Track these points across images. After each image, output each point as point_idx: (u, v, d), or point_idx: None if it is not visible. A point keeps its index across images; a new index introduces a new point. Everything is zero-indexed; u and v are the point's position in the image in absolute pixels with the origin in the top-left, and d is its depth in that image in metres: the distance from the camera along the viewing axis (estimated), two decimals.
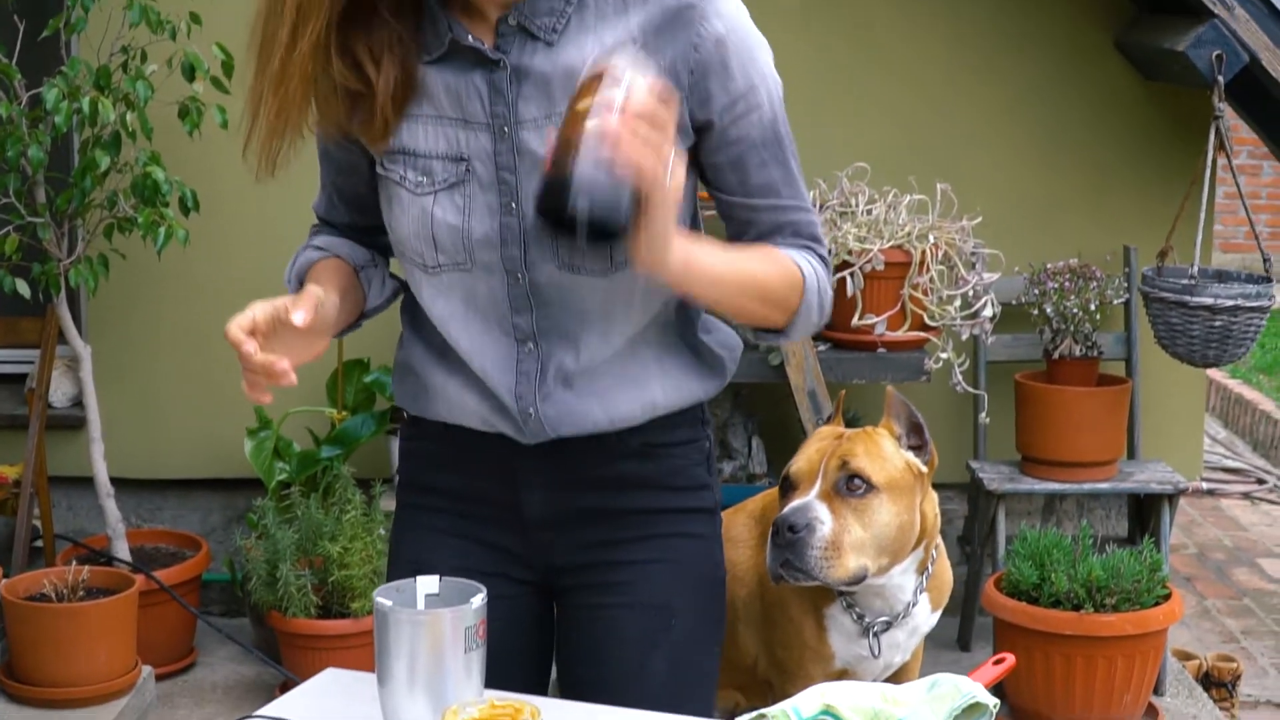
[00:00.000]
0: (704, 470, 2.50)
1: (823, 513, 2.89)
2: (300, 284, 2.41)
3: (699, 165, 2.33)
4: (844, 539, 2.88)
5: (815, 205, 5.11)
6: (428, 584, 2.18)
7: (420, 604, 2.16)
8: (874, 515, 2.90)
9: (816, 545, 2.86)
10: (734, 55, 2.27)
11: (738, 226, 2.36)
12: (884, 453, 2.94)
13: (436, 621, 2.08)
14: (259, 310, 2.18)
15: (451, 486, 2.49)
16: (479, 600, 2.11)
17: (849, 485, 2.89)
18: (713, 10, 2.25)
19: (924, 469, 2.96)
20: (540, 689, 2.56)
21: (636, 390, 2.39)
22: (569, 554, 2.48)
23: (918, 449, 2.97)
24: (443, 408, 2.44)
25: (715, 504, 2.54)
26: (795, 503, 2.92)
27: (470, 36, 2.25)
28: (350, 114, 2.28)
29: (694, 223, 2.39)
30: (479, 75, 2.26)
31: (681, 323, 2.42)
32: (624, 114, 2.01)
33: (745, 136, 2.30)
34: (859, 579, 2.92)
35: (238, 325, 2.15)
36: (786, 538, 2.88)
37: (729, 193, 2.33)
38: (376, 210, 2.41)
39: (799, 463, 2.98)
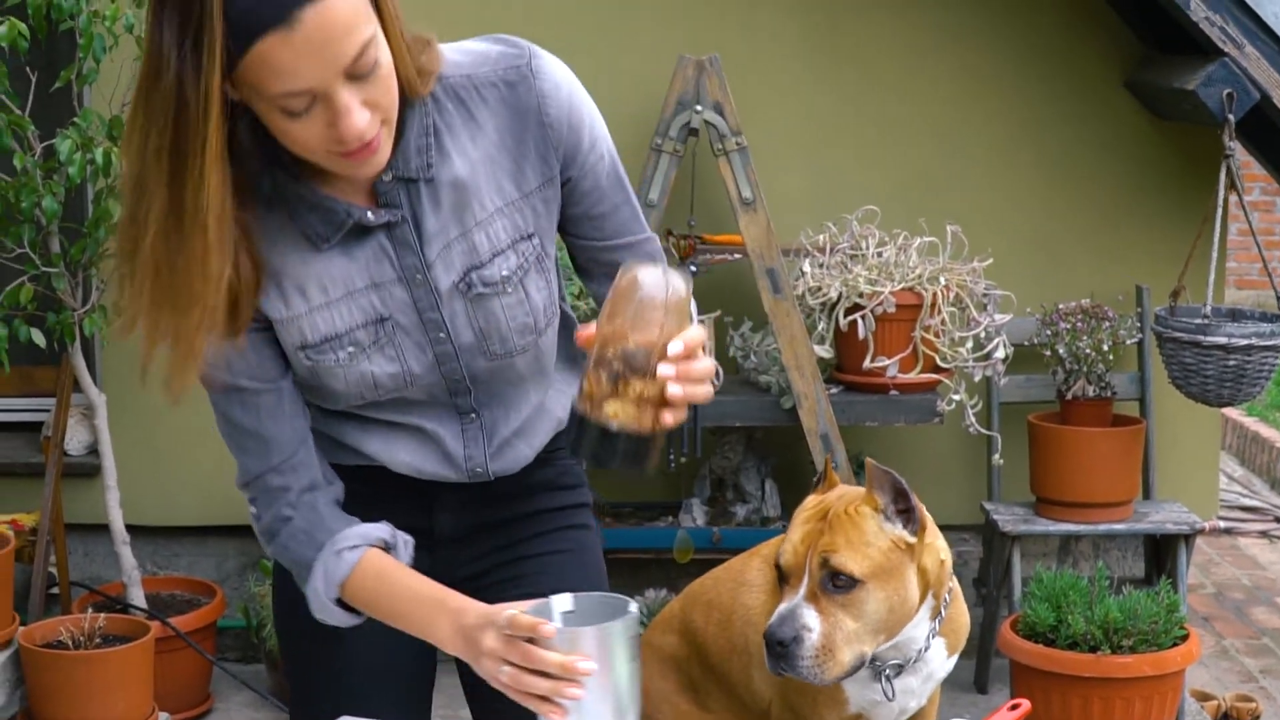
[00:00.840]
0: (581, 469, 2.71)
1: (810, 618, 2.85)
2: (341, 599, 2.42)
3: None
4: (835, 637, 2.85)
5: (827, 249, 5.17)
6: (562, 602, 2.22)
7: (557, 620, 2.18)
8: (863, 607, 2.86)
9: (806, 655, 2.83)
10: (573, 115, 2.37)
11: (598, 269, 2.50)
12: (866, 538, 2.87)
13: (628, 629, 2.12)
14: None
15: (357, 516, 2.51)
16: (634, 608, 2.16)
17: (834, 583, 2.85)
18: (544, 80, 2.35)
19: (912, 540, 2.89)
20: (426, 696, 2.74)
21: (548, 418, 2.58)
22: (473, 563, 2.63)
23: (905, 514, 2.90)
24: (355, 457, 2.53)
25: (591, 498, 2.75)
26: (782, 608, 2.89)
27: (369, 213, 2.30)
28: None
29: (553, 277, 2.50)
30: (380, 237, 2.33)
31: (567, 341, 2.55)
32: (677, 369, 2.10)
33: (596, 186, 2.42)
34: (858, 667, 2.90)
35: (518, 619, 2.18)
36: (777, 651, 2.86)
37: (588, 239, 2.48)
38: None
39: (786, 554, 2.94)
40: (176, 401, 2.26)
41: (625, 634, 2.11)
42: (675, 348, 2.10)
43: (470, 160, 2.32)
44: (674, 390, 2.10)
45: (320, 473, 2.45)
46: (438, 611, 2.30)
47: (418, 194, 2.32)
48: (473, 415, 2.48)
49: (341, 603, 2.41)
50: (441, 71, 2.30)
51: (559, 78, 2.36)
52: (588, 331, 2.15)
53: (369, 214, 2.30)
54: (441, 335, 2.38)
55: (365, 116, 2.13)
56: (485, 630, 2.20)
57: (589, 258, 2.50)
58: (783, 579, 2.95)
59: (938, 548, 2.98)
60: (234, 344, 2.30)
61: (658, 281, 2.10)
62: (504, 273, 2.35)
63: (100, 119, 4.92)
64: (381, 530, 2.42)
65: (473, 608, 2.27)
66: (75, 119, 4.89)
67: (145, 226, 2.12)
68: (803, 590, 2.88)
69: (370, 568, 2.38)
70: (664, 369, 2.09)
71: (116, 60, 4.96)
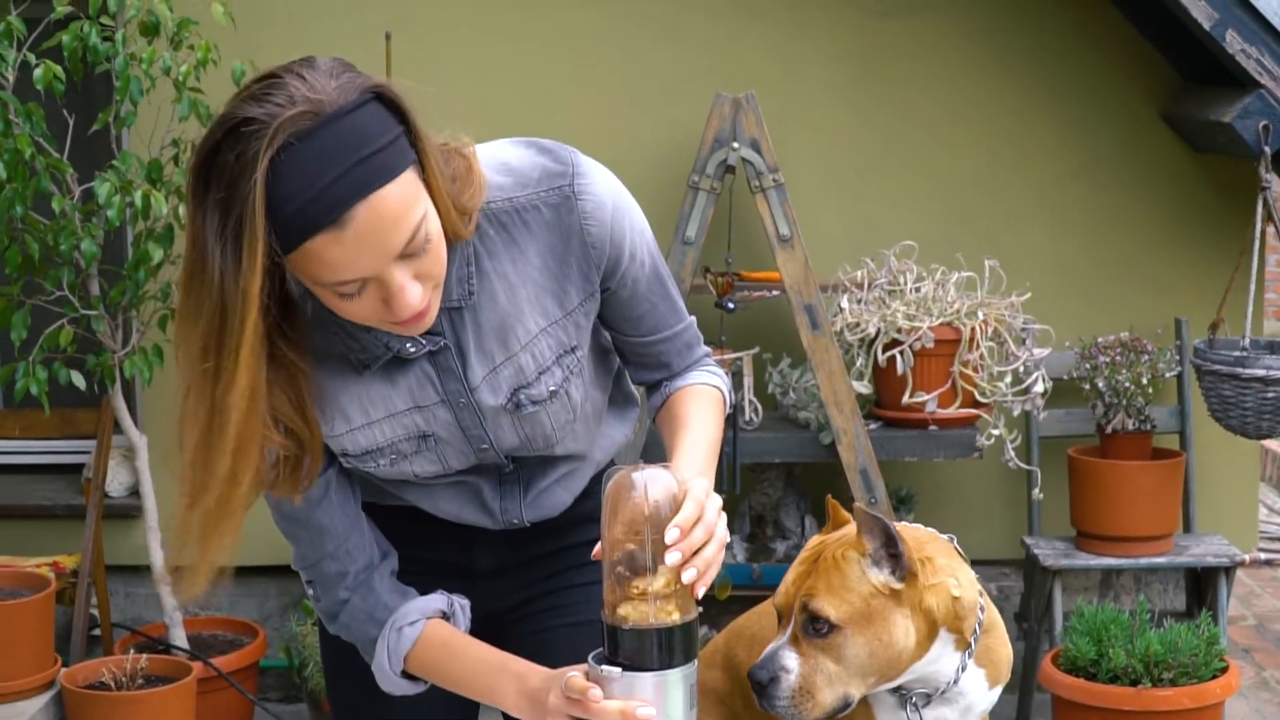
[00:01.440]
0: None
1: (790, 660, 2.87)
2: (405, 670, 2.46)
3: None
4: (815, 679, 2.86)
5: (864, 284, 5.18)
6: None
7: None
8: (842, 650, 2.86)
9: (783, 695, 2.86)
10: (615, 231, 2.34)
11: (636, 359, 2.55)
12: (848, 583, 2.87)
13: (686, 677, 2.17)
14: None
15: (399, 551, 2.56)
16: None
17: (813, 626, 2.86)
18: (587, 200, 2.31)
19: (897, 586, 2.87)
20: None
21: (588, 464, 2.61)
22: (514, 594, 2.68)
23: (895, 558, 2.88)
24: (395, 500, 2.56)
25: None
26: (768, 649, 2.91)
27: (409, 345, 2.30)
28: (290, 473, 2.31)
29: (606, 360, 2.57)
30: (423, 363, 2.33)
31: (604, 395, 2.60)
32: (682, 552, 2.14)
33: (635, 292, 2.43)
34: (843, 708, 2.90)
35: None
36: (757, 689, 2.89)
37: (625, 334, 2.50)
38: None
39: (779, 595, 2.96)
40: (190, 594, 2.27)
41: (684, 682, 2.15)
42: (671, 535, 2.12)
43: (512, 284, 2.31)
44: (688, 575, 2.13)
45: (375, 552, 2.49)
46: (502, 676, 2.34)
47: (461, 320, 2.32)
48: (511, 470, 2.52)
49: (406, 673, 2.46)
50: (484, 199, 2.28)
51: (602, 194, 2.32)
52: (596, 548, 2.19)
53: (409, 345, 2.30)
54: (485, 446, 2.42)
55: (418, 291, 2.12)
56: (549, 692, 2.23)
57: (624, 348, 2.54)
58: (780, 618, 2.97)
59: (948, 585, 2.94)
60: (299, 496, 2.34)
61: (639, 481, 2.15)
62: (551, 388, 2.38)
63: (139, 161, 4.94)
64: (439, 602, 2.47)
65: (534, 671, 2.31)
66: (113, 162, 4.91)
67: (188, 422, 2.13)
68: (787, 633, 2.90)
69: (432, 639, 2.43)
70: (670, 557, 2.12)
71: (154, 102, 4.99)
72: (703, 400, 2.53)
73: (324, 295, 2.11)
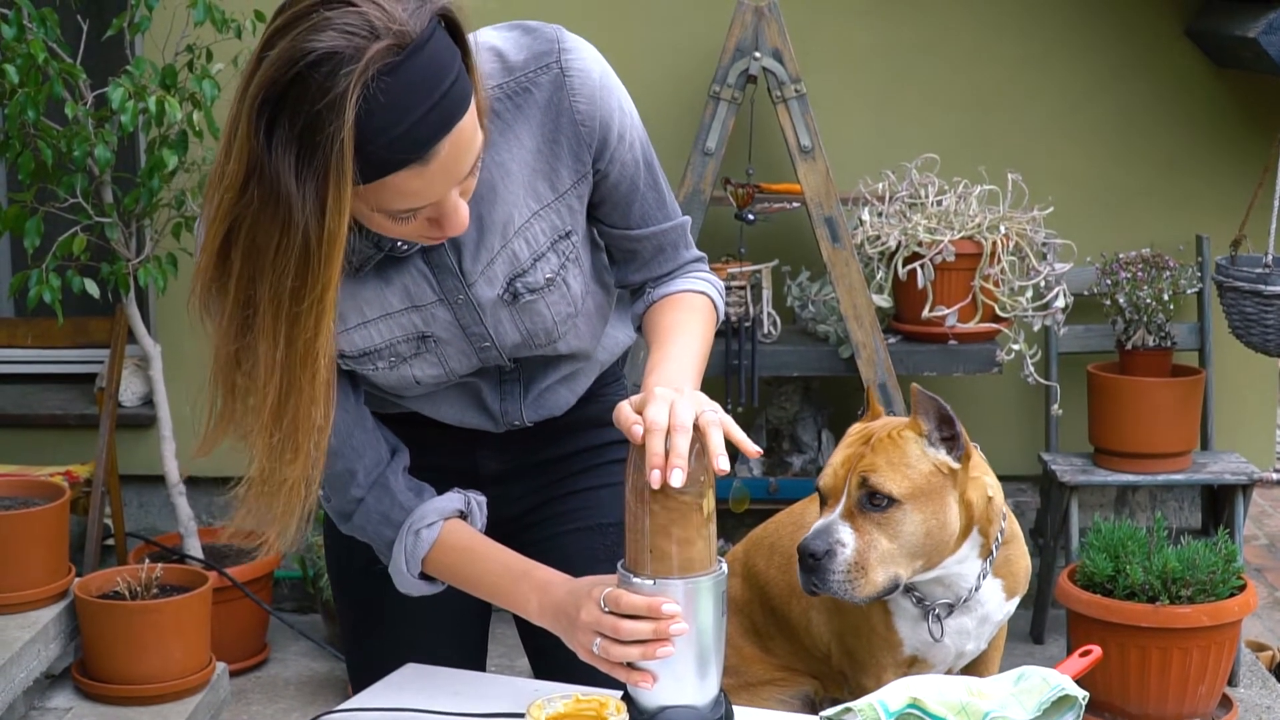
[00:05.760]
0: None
1: (845, 534, 2.91)
2: (422, 571, 2.43)
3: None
4: (870, 556, 2.90)
5: (885, 197, 5.19)
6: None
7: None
8: (899, 527, 2.91)
9: (839, 570, 2.89)
10: (605, 107, 2.30)
11: (622, 256, 2.49)
12: (907, 459, 2.93)
13: (716, 585, 2.15)
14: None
15: None
16: (724, 565, 2.17)
17: (871, 501, 2.91)
18: (574, 76, 2.27)
19: (955, 465, 2.94)
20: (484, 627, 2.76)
21: (592, 364, 2.59)
22: (523, 500, 2.65)
23: (950, 441, 2.94)
24: (396, 407, 2.53)
25: None
26: (818, 524, 2.95)
27: (400, 241, 2.25)
28: None
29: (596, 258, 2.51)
30: (418, 261, 2.30)
31: (609, 295, 2.55)
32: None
33: (623, 176, 2.37)
34: (891, 589, 2.94)
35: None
36: (809, 564, 2.91)
37: (611, 226, 2.43)
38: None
39: (826, 476, 3.00)
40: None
41: (713, 590, 2.13)
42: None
43: (508, 171, 2.28)
44: (675, 478, 2.07)
45: (383, 449, 2.45)
46: (524, 584, 2.32)
47: None
48: (512, 369, 2.49)
49: (424, 575, 2.44)
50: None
51: (589, 68, 2.28)
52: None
53: (400, 244, 2.26)
54: (486, 344, 2.39)
55: (466, 209, 2.10)
56: (578, 607, 2.20)
57: (610, 243, 2.48)
58: (822, 501, 3.00)
59: (985, 483, 3.01)
60: None
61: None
62: (547, 275, 2.35)
63: (153, 67, 4.92)
64: (456, 501, 2.44)
65: (559, 582, 2.29)
66: (127, 67, 4.89)
67: (253, 373, 2.04)
68: (839, 509, 2.93)
69: (451, 542, 2.40)
70: (653, 478, 2.08)
71: (168, 7, 5.00)
72: (687, 309, 2.45)
73: (375, 219, 2.07)
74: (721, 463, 2.07)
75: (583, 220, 2.38)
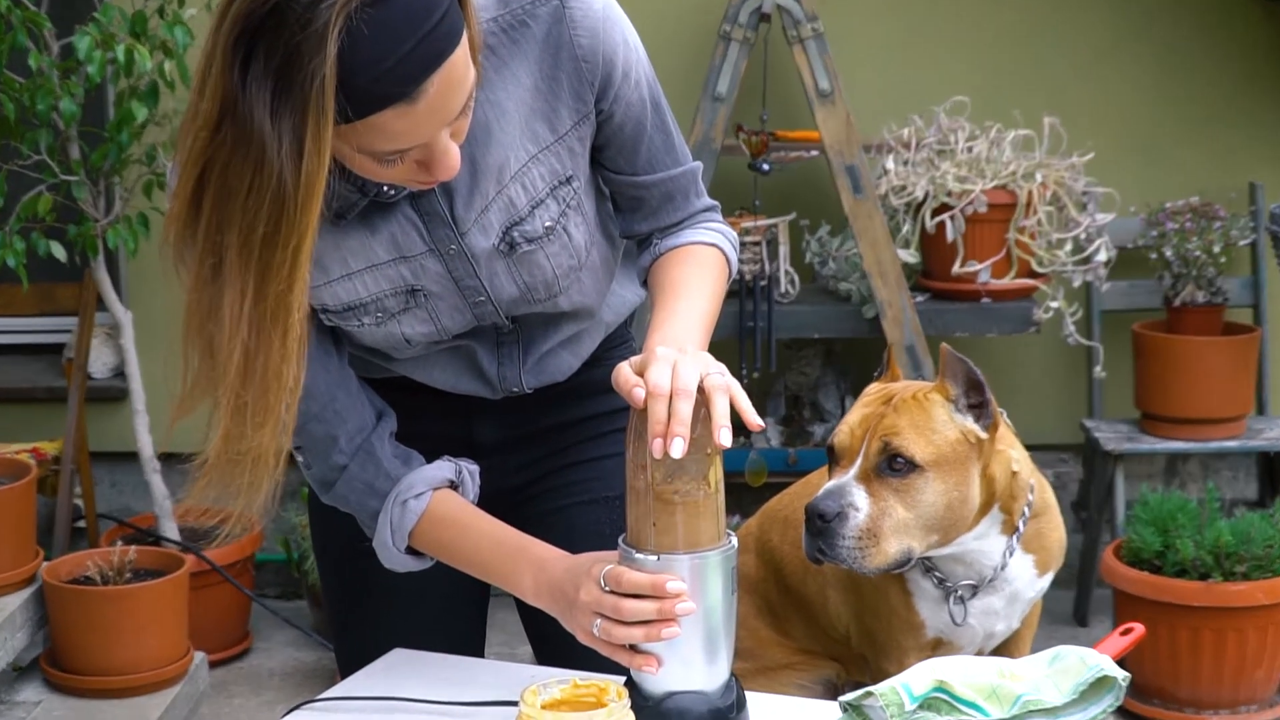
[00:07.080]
0: None
1: (858, 497, 2.86)
2: (409, 545, 2.43)
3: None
4: (883, 523, 2.86)
5: (912, 144, 5.20)
6: None
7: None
8: (918, 495, 2.87)
9: (849, 534, 2.84)
10: (608, 43, 2.27)
11: (628, 204, 2.46)
12: (933, 424, 2.88)
13: (725, 560, 2.12)
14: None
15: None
16: (734, 540, 2.15)
17: (890, 465, 2.87)
18: (576, 4, 2.25)
19: (982, 435, 2.90)
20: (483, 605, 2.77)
21: (597, 325, 2.58)
22: (523, 471, 2.65)
23: (978, 409, 2.90)
24: (386, 372, 2.52)
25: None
26: (830, 484, 2.90)
27: (386, 186, 2.23)
28: None
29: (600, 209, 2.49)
30: (404, 208, 2.28)
31: (615, 248, 2.54)
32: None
33: (628, 117, 2.35)
34: (903, 563, 2.90)
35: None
36: (817, 525, 2.87)
37: (617, 172, 2.41)
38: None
39: (841, 434, 2.95)
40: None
41: (722, 566, 2.11)
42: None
43: (504, 111, 2.26)
44: (675, 449, 2.04)
45: (368, 413, 2.43)
46: (520, 560, 2.31)
47: None
48: (510, 330, 2.47)
49: (411, 550, 2.43)
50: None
51: (591, 1, 2.27)
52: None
53: (387, 188, 2.24)
54: (480, 298, 2.37)
55: (457, 151, 2.09)
56: (577, 586, 2.19)
57: (615, 189, 2.45)
58: (833, 461, 2.96)
59: (1010, 457, 2.99)
60: None
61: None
62: (546, 224, 2.33)
63: (122, 14, 4.85)
64: (445, 470, 2.42)
65: (556, 559, 2.28)
66: (95, 15, 4.84)
67: (222, 324, 2.02)
68: (854, 470, 2.89)
69: (440, 514, 2.39)
70: (655, 448, 2.06)
71: None
72: (696, 263, 2.43)
73: (358, 160, 2.04)
74: (723, 436, 2.05)
75: (585, 165, 2.37)
